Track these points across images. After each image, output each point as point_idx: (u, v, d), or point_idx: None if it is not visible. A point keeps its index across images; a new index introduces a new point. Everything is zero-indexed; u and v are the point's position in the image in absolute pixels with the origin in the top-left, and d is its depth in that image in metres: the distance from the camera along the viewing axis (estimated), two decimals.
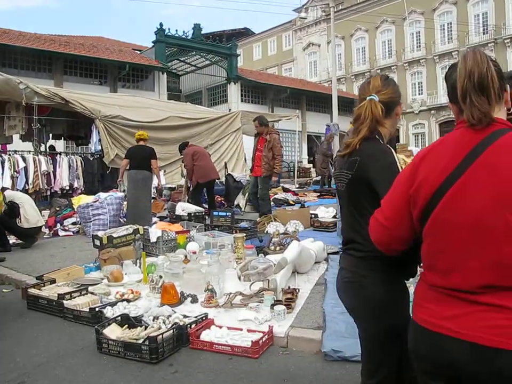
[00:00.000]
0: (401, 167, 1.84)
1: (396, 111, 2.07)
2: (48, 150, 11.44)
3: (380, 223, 1.60)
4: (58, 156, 10.94)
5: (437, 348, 1.39)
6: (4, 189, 7.77)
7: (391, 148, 1.98)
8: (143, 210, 8.16)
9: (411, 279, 2.00)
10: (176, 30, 24.00)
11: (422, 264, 1.53)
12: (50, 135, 13.26)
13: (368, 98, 1.98)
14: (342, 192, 2.04)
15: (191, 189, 9.54)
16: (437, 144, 1.50)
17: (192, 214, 7.71)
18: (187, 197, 9.71)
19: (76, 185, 10.72)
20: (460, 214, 1.35)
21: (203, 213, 8.05)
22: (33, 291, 4.68)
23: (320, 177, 16.88)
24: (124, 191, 8.94)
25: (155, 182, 8.98)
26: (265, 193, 8.79)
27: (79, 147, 15.28)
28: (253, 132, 17.13)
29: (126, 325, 3.67)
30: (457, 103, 1.44)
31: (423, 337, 1.44)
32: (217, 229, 7.21)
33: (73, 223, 8.85)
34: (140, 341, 3.40)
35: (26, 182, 9.76)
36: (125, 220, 8.41)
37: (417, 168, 1.47)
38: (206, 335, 3.57)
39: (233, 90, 26.63)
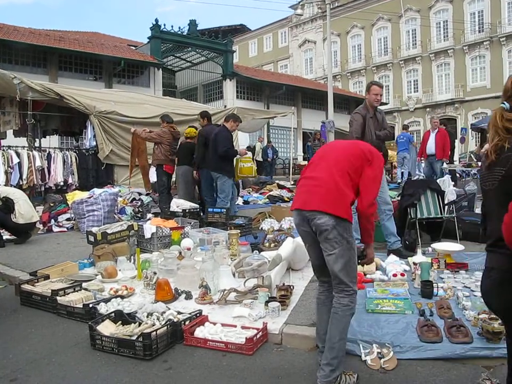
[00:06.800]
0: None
1: None
2: None
3: (505, 222, 1.67)
4: (52, 151, 10.87)
5: None
6: None
7: None
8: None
9: None
10: (172, 26, 23.89)
11: None
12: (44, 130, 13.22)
13: None
14: (491, 190, 2.00)
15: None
16: None
17: (187, 211, 7.70)
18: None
19: (70, 181, 10.66)
20: None
21: (197, 209, 8.04)
22: (26, 287, 4.66)
23: None
24: None
25: None
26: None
27: (73, 143, 15.25)
28: (248, 129, 17.19)
29: (120, 322, 3.66)
30: None
31: None
32: (212, 225, 7.20)
33: (68, 219, 8.83)
34: (134, 338, 3.40)
35: (20, 177, 9.70)
36: None
37: None
38: (200, 332, 3.57)
39: (229, 87, 26.57)
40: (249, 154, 8.83)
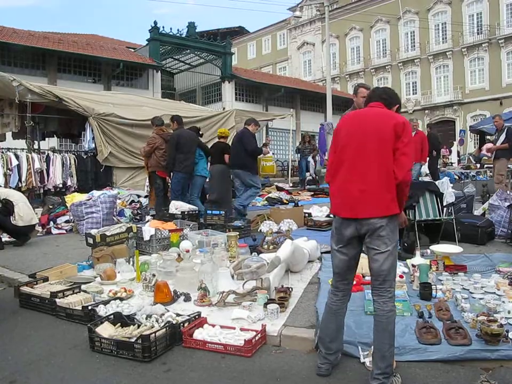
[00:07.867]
0: None
1: None
2: None
3: None
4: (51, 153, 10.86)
5: None
6: None
7: None
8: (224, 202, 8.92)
9: None
10: (171, 28, 23.96)
11: None
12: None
13: None
14: None
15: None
16: None
17: (186, 213, 7.69)
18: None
19: (69, 183, 10.64)
20: None
21: (196, 212, 8.04)
22: (25, 289, 4.66)
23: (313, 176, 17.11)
24: None
25: None
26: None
27: (72, 145, 15.24)
28: None
29: (119, 324, 3.66)
30: None
31: None
32: (210, 227, 7.20)
33: (66, 221, 8.82)
34: (133, 340, 3.40)
35: (19, 180, 9.68)
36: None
37: None
38: (199, 334, 3.57)
39: (228, 89, 26.56)
40: (271, 153, 9.32)
